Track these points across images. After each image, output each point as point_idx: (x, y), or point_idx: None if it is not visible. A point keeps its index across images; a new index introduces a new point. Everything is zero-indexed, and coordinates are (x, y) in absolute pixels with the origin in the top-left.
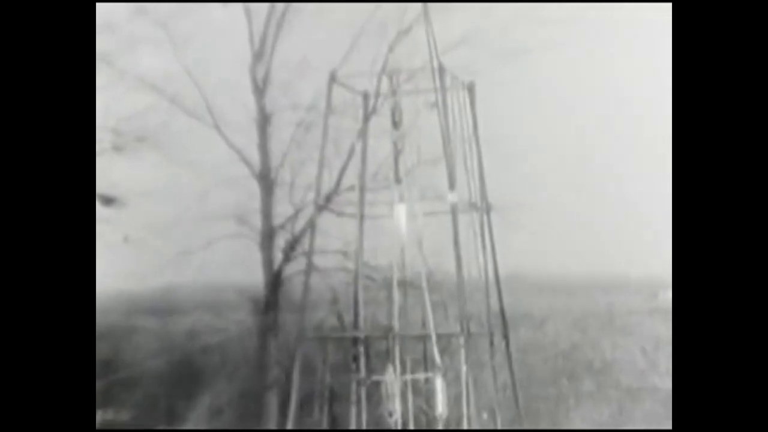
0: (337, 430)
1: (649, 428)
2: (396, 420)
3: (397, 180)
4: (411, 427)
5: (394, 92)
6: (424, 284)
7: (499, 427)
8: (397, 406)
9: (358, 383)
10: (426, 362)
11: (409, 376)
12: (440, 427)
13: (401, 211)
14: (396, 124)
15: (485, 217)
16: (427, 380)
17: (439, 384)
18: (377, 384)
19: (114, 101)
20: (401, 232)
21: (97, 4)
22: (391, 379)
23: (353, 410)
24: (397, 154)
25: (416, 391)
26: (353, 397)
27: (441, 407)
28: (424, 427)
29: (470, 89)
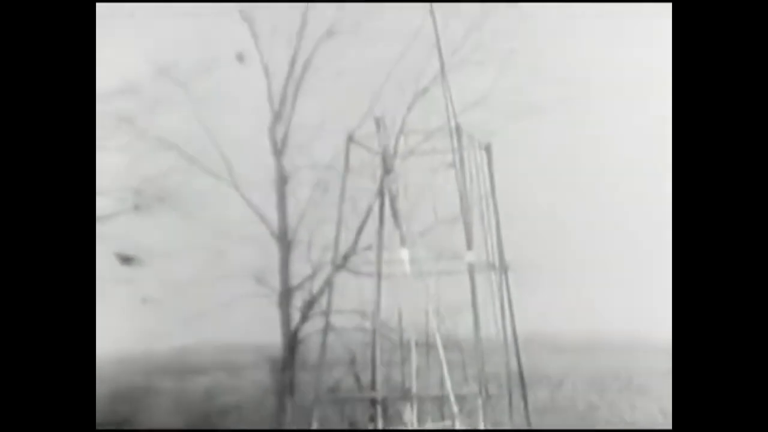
0: None
1: (651, 428)
2: None
3: (398, 225)
4: None
5: (411, 152)
6: (440, 345)
7: None
8: None
9: None
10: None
11: (429, 425)
12: None
13: (404, 255)
14: (387, 170)
15: (503, 277)
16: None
17: (450, 390)
18: None
19: (135, 161)
20: (407, 272)
21: (118, 67)
22: (410, 419)
23: None
24: (392, 198)
25: None
26: None
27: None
28: None
29: (487, 149)
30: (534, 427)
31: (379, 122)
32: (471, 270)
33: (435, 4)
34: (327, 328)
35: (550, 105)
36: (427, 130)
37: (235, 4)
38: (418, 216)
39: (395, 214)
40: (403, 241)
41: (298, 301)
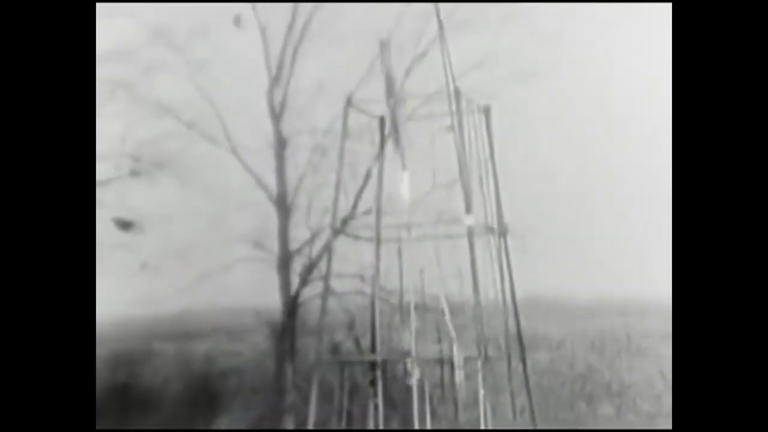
0: None
1: (650, 428)
2: (415, 381)
3: (398, 148)
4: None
5: (410, 116)
6: (446, 308)
7: None
8: (416, 371)
9: (376, 407)
10: (443, 386)
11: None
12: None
13: (405, 178)
14: (389, 93)
15: (502, 240)
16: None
17: (455, 352)
18: (394, 407)
19: (132, 127)
20: (405, 200)
21: (114, 31)
22: (408, 342)
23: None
24: (395, 120)
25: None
26: (371, 421)
27: (459, 378)
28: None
29: (486, 112)
30: (533, 388)
31: (383, 45)
32: (470, 233)
33: None
34: (326, 292)
35: (549, 67)
36: (426, 93)
37: None
38: (417, 180)
39: (397, 136)
40: (404, 166)
41: (297, 265)
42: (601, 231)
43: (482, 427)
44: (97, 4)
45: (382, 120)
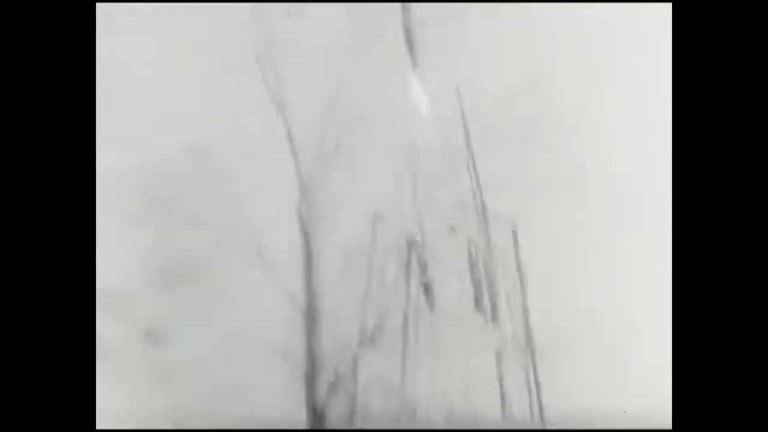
0: None
1: (649, 428)
2: None
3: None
4: None
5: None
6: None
7: None
8: None
9: None
10: None
11: None
12: None
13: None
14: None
15: (530, 356)
16: None
17: None
18: None
19: (163, 238)
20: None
21: (148, 146)
22: None
23: None
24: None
25: None
26: None
27: None
28: None
29: (513, 228)
30: None
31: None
32: (497, 349)
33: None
34: (353, 407)
35: (573, 181)
36: (454, 208)
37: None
38: (442, 293)
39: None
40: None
41: (324, 377)
42: (639, 346)
43: None
44: (133, 118)
45: (409, 241)
